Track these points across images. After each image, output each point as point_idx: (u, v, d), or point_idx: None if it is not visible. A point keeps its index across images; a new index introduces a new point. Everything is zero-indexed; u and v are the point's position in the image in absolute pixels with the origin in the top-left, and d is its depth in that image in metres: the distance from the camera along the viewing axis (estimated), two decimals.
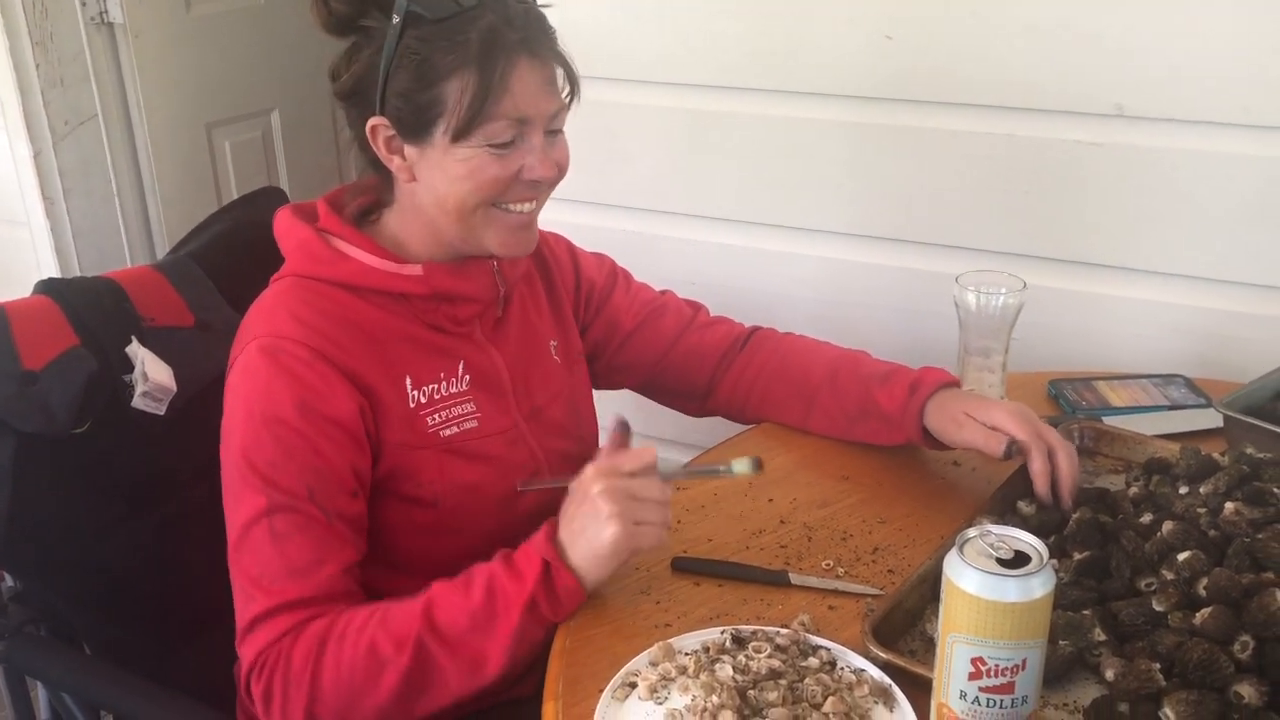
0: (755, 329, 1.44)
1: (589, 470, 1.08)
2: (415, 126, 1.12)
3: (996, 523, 1.08)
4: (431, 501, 1.17)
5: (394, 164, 1.15)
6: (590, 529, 1.05)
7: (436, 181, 1.14)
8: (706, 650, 1.01)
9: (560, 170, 1.17)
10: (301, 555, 1.08)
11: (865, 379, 1.34)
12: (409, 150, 1.13)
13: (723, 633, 1.03)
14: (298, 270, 1.18)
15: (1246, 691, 0.88)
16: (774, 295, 1.85)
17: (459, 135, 1.10)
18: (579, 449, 1.33)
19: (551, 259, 1.37)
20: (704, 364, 1.41)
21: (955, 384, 1.30)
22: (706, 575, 1.14)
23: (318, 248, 1.18)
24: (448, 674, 1.04)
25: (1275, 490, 1.09)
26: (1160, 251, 1.61)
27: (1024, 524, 1.15)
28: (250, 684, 1.07)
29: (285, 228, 1.21)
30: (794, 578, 1.12)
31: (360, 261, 1.17)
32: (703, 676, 0.96)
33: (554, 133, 1.16)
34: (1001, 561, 0.81)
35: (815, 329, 1.46)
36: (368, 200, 1.23)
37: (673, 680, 0.98)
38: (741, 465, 1.11)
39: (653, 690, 0.97)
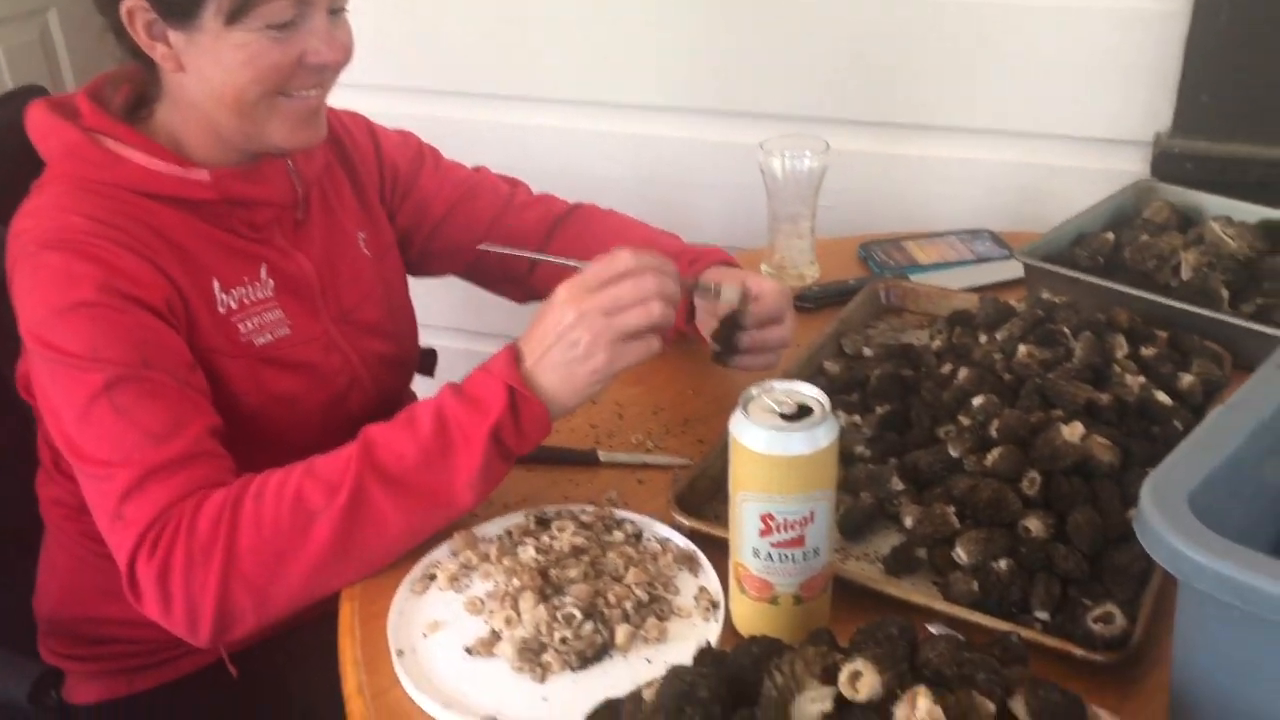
0: (575, 207, 1.37)
1: (560, 290, 0.97)
2: (180, 9, 0.99)
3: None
4: (249, 414, 1.08)
5: (157, 53, 1.03)
6: (567, 360, 0.95)
7: (209, 72, 1.02)
8: (509, 535, 0.98)
9: (347, 54, 1.07)
10: (156, 420, 0.95)
11: None
12: (174, 36, 1.01)
13: (526, 515, 1.00)
14: (67, 175, 1.05)
15: (1034, 525, 0.89)
16: (590, 177, 1.79)
17: (233, 17, 0.98)
18: (397, 350, 1.26)
19: (350, 143, 1.27)
20: (524, 246, 1.35)
21: (730, 263, 1.24)
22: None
23: (88, 150, 1.04)
24: (389, 521, 0.93)
25: (1066, 331, 1.11)
26: (963, 108, 1.61)
27: (830, 383, 1.15)
28: (137, 569, 0.92)
29: (44, 127, 1.07)
30: (603, 455, 1.10)
31: (138, 164, 1.05)
32: (504, 561, 0.94)
33: (337, 12, 1.06)
34: (785, 416, 0.80)
35: (635, 209, 1.41)
36: (131, 92, 1.12)
37: (474, 568, 0.95)
38: (730, 293, 1.07)
39: (453, 580, 0.93)
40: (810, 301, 1.37)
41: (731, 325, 1.10)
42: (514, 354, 0.98)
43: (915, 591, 0.90)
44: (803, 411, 0.80)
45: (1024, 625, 0.84)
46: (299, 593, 0.93)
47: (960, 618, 0.86)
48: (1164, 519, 0.66)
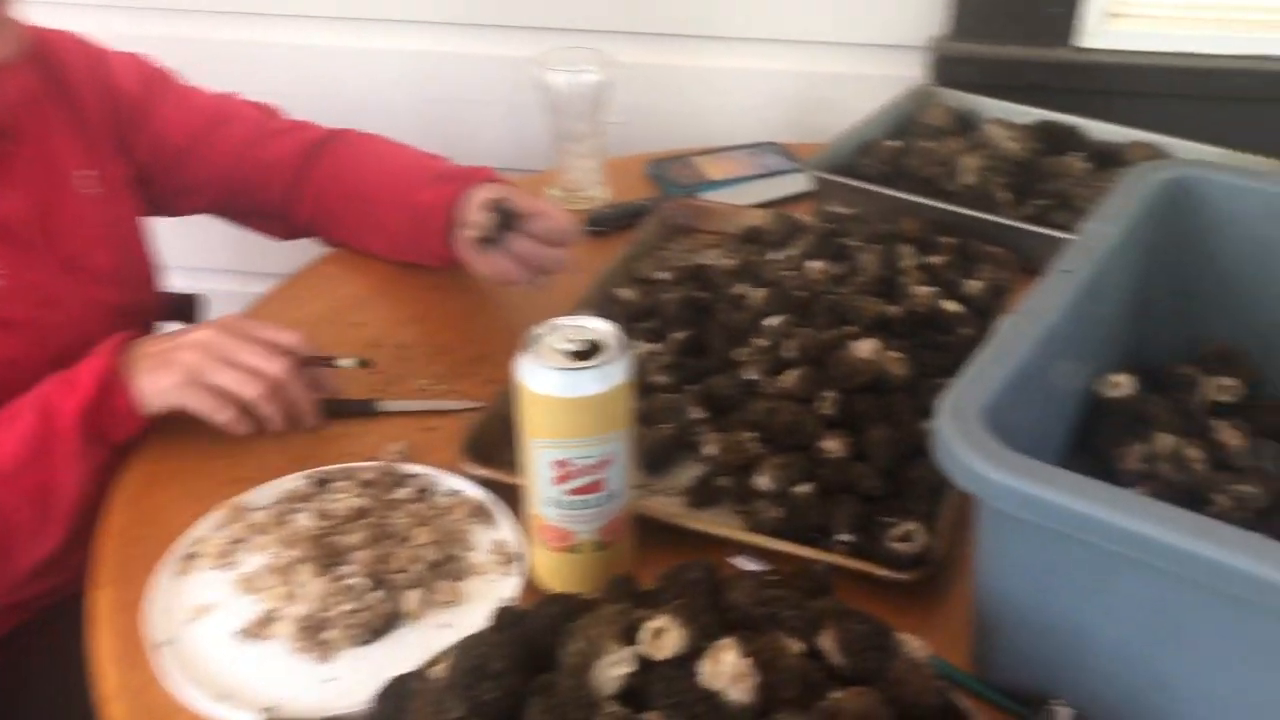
0: (333, 133, 1.26)
1: (226, 316, 0.99)
2: None
3: (598, 314, 1.01)
4: None
5: None
6: (161, 359, 0.94)
7: None
8: (284, 501, 0.89)
9: None
10: None
11: (416, 187, 1.17)
12: None
13: (301, 478, 0.91)
14: None
15: (832, 446, 0.87)
16: (357, 99, 1.66)
17: None
18: (133, 298, 1.13)
19: (65, 67, 1.11)
20: (278, 178, 1.23)
21: (497, 181, 1.16)
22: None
23: None
24: (15, 520, 0.90)
25: (855, 244, 1.09)
26: (742, 17, 1.57)
27: (625, 311, 1.10)
28: None
29: None
30: (381, 405, 1.02)
31: None
32: (279, 531, 0.85)
33: None
34: (575, 355, 0.74)
35: (408, 133, 1.30)
36: None
37: (244, 542, 0.86)
38: (346, 362, 1.03)
39: (220, 557, 0.84)
40: (601, 225, 1.31)
41: (504, 218, 1.06)
42: (125, 339, 0.97)
43: (720, 523, 0.87)
44: (593, 349, 0.75)
45: (829, 549, 0.83)
46: None
47: (766, 547, 0.83)
48: (960, 438, 0.64)
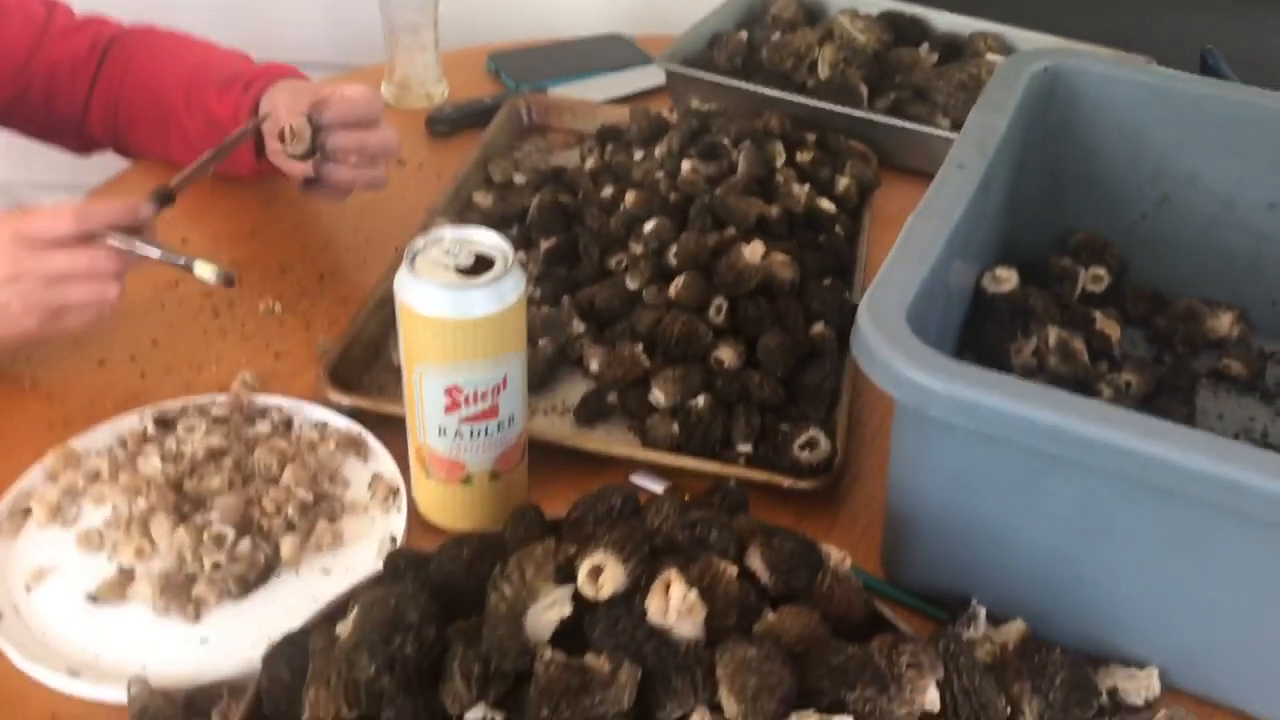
0: (124, 32, 1.10)
1: None
2: None
3: (454, 222, 0.93)
4: None
5: None
6: None
7: None
8: (123, 445, 0.79)
9: None
10: None
11: (208, 93, 1.02)
12: None
13: (141, 417, 0.81)
14: None
15: (726, 355, 0.84)
16: None
17: None
18: None
19: None
20: (67, 84, 1.07)
21: (298, 77, 1.03)
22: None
23: None
24: None
25: (725, 142, 1.05)
26: None
27: (483, 218, 1.03)
28: None
29: None
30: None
31: None
32: (122, 478, 0.75)
33: None
34: (461, 270, 0.67)
35: (220, 29, 1.16)
36: None
37: (82, 493, 0.76)
38: (205, 270, 0.81)
39: (55, 512, 0.74)
40: (444, 124, 1.21)
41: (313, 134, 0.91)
42: None
43: (613, 441, 0.82)
44: (481, 263, 0.68)
45: (728, 461, 0.80)
46: None
47: (665, 464, 0.79)
48: (887, 343, 0.61)
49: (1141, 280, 0.97)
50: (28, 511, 0.74)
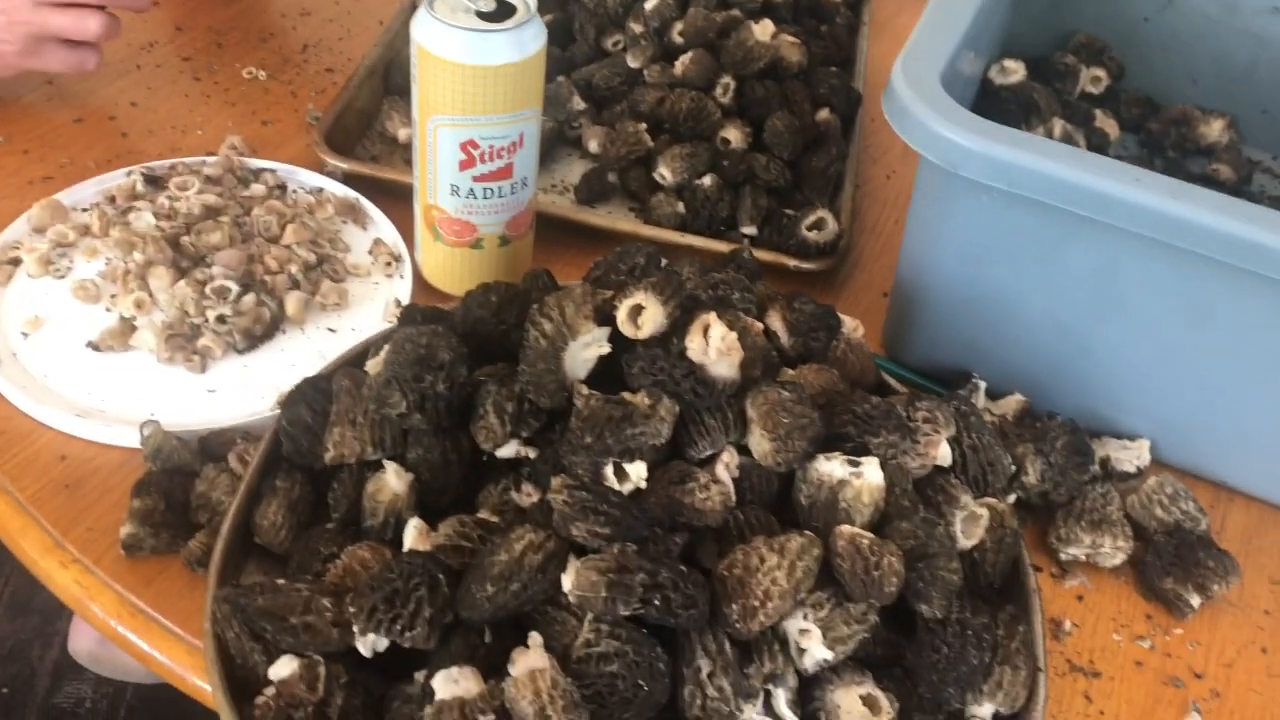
0: None
1: None
2: None
3: None
4: None
5: None
6: None
7: None
8: (111, 201, 0.76)
9: None
10: None
11: None
12: None
13: (129, 174, 0.78)
14: None
15: (733, 135, 0.83)
16: None
17: None
18: None
19: None
20: None
21: None
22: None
23: None
24: None
25: None
26: None
27: None
28: None
29: None
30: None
31: None
32: (114, 233, 0.73)
33: None
34: (483, 15, 0.65)
35: None
36: None
37: (72, 245, 0.73)
38: None
39: (46, 263, 0.72)
40: None
41: None
42: None
43: (617, 219, 0.81)
44: (503, 9, 0.65)
45: (732, 242, 0.79)
46: None
47: (670, 241, 0.79)
48: (922, 102, 0.61)
49: (1138, 85, 0.97)
50: (17, 262, 0.72)
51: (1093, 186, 0.58)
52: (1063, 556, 0.65)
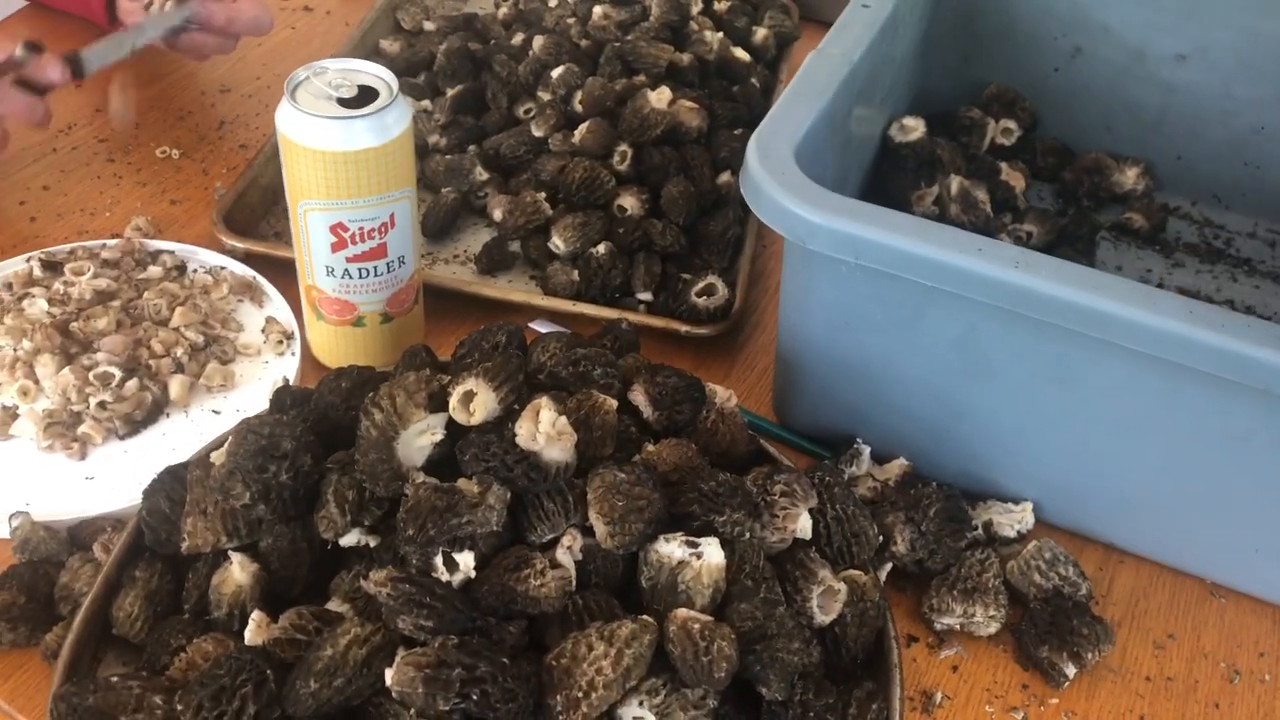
0: None
1: None
2: None
3: None
4: None
5: None
6: None
7: None
8: (8, 287, 0.77)
9: None
10: None
11: None
12: None
13: (28, 260, 0.79)
14: None
15: (629, 202, 0.83)
16: None
17: None
18: None
19: None
20: None
21: None
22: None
23: None
24: None
25: None
26: None
27: (390, 65, 0.99)
28: None
29: None
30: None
31: None
32: (7, 320, 0.74)
33: None
34: (344, 102, 0.65)
35: None
36: None
37: None
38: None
39: None
40: None
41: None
42: None
43: (513, 290, 0.82)
44: (365, 95, 0.66)
45: (628, 309, 0.80)
46: None
47: (564, 310, 0.79)
48: (772, 179, 0.61)
49: (1052, 134, 0.97)
50: None
51: (937, 258, 0.58)
52: (937, 626, 0.64)
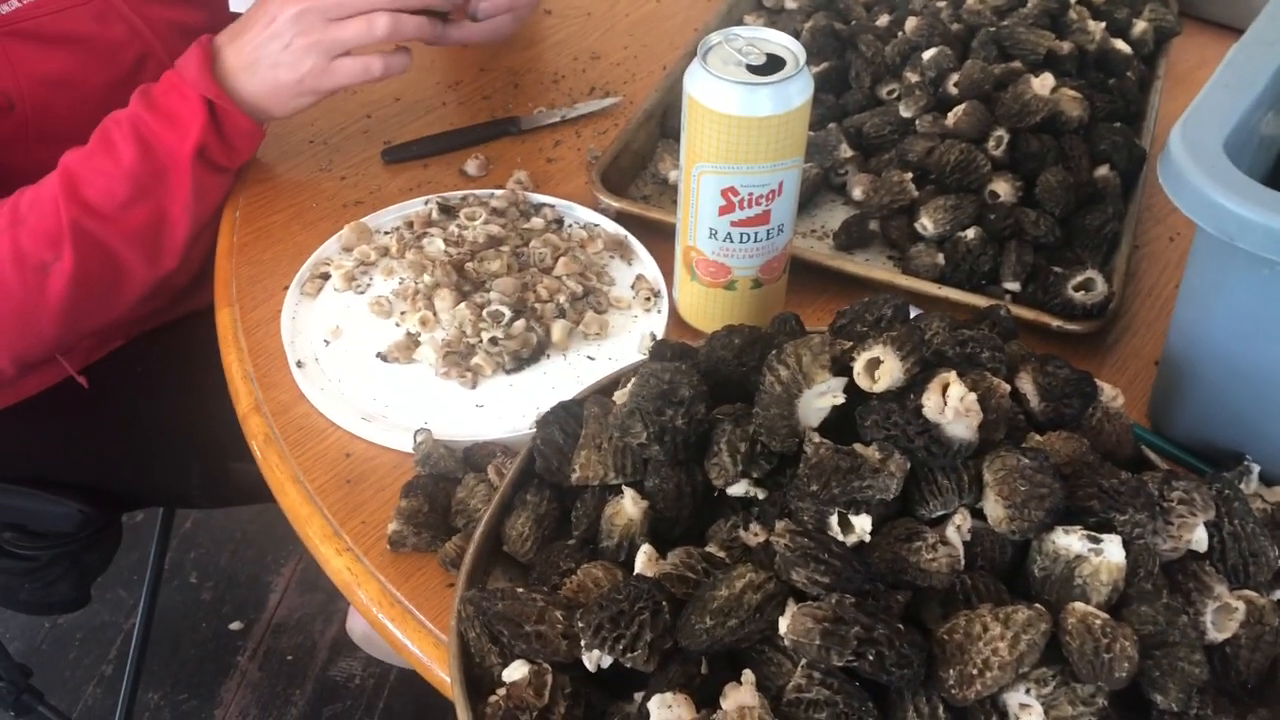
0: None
1: None
2: None
3: None
4: (6, 105, 0.88)
5: None
6: (274, 65, 0.82)
7: None
8: (409, 226, 0.84)
9: None
10: None
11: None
12: None
13: (427, 203, 0.86)
14: None
15: (1002, 188, 0.81)
16: None
17: None
18: (206, 20, 1.03)
19: None
20: None
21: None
22: (415, 158, 0.94)
23: None
24: (124, 257, 0.84)
25: None
26: None
27: None
28: None
29: None
30: (524, 121, 0.96)
31: None
32: (409, 255, 0.81)
33: None
34: (752, 69, 0.67)
35: None
36: None
37: (373, 264, 0.82)
38: None
39: (350, 279, 0.80)
40: None
41: None
42: (207, 54, 0.83)
43: (873, 268, 0.82)
44: (773, 63, 0.67)
45: (993, 298, 0.78)
46: (55, 344, 0.89)
47: (927, 293, 0.78)
48: (1200, 169, 0.58)
49: None
50: (325, 276, 0.81)
51: None
52: None
